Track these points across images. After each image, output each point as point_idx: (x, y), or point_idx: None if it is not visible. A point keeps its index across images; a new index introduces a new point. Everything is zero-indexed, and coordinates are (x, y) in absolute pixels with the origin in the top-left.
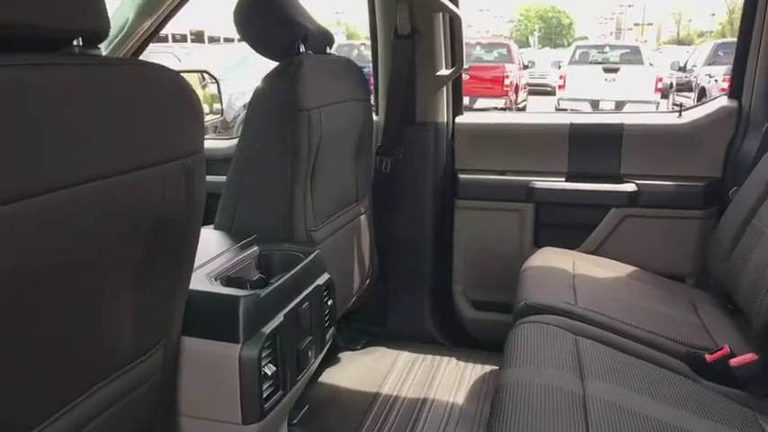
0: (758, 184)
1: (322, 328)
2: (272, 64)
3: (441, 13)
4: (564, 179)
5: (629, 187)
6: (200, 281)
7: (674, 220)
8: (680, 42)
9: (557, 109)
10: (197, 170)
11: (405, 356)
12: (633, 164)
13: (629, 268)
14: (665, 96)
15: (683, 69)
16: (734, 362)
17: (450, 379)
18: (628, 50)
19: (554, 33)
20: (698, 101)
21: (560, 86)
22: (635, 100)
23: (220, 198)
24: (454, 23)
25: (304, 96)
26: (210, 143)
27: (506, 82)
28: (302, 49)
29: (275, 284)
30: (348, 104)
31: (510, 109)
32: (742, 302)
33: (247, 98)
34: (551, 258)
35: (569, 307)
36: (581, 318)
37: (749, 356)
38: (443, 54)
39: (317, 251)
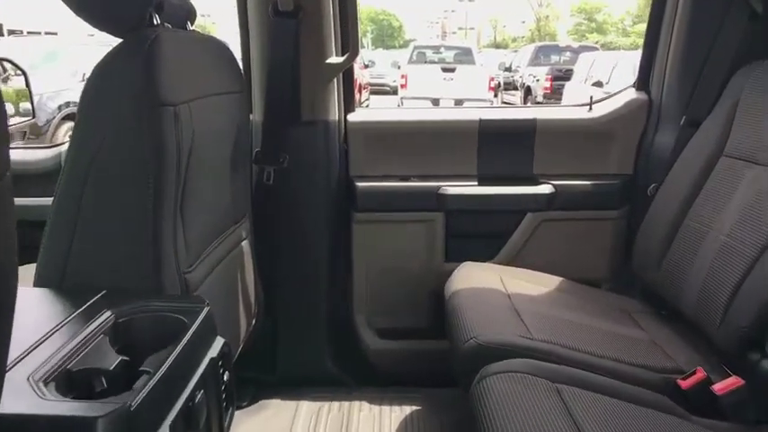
0: (684, 181)
1: (220, 415)
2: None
3: None
4: (475, 182)
5: (546, 189)
6: (19, 391)
7: (590, 222)
8: (497, 46)
9: (399, 108)
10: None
11: (306, 408)
12: (546, 162)
13: (555, 279)
14: (495, 95)
15: (508, 70)
16: (719, 389)
17: (367, 428)
18: (461, 51)
19: (386, 35)
20: (524, 99)
21: (402, 85)
22: (472, 98)
23: (43, 237)
24: (348, 2)
25: (168, 84)
26: (19, 154)
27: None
28: (157, 20)
29: (153, 380)
30: (221, 98)
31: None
32: (689, 313)
33: (64, 98)
34: (476, 277)
35: (529, 342)
36: (547, 356)
37: (733, 381)
38: (333, 37)
39: (207, 307)
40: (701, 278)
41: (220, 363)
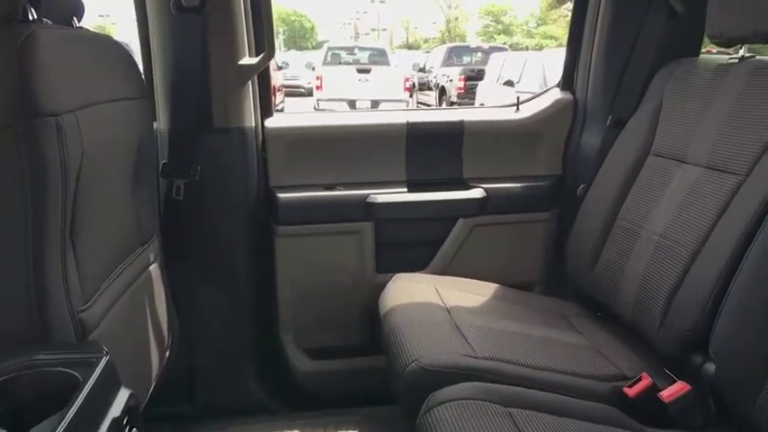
0: (613, 181)
1: None
2: None
3: None
4: (404, 189)
5: (477, 193)
6: None
7: (522, 225)
8: (410, 47)
9: (315, 110)
10: None
11: None
12: (476, 165)
13: (491, 286)
14: (411, 95)
15: (422, 70)
16: (666, 397)
17: None
18: (375, 52)
19: (298, 36)
20: (439, 99)
21: (318, 87)
22: (388, 99)
23: None
24: None
25: (47, 91)
26: None
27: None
28: (32, 14)
29: None
30: (118, 105)
31: None
32: (627, 315)
33: None
34: (411, 290)
35: (473, 361)
36: (493, 375)
37: (680, 387)
38: (246, 36)
39: (105, 356)
40: (637, 280)
41: (125, 421)
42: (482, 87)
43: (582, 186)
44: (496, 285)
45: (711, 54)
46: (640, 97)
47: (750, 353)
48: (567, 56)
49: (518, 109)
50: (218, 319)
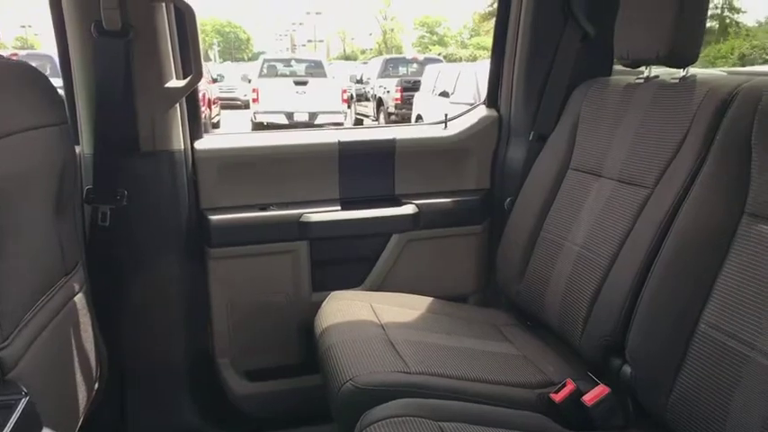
0: (537, 195)
1: None
2: None
3: (164, 5)
4: (338, 207)
5: (409, 209)
6: None
7: (454, 239)
8: (347, 58)
9: (253, 122)
10: None
11: None
12: (408, 182)
13: (425, 300)
14: (349, 107)
15: (360, 81)
16: (588, 400)
17: None
18: (312, 64)
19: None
20: (377, 109)
21: (254, 100)
22: (326, 111)
23: None
24: (186, 19)
25: None
26: None
27: (198, 96)
28: None
29: None
30: (36, 133)
31: (205, 125)
32: (554, 323)
33: None
34: (346, 308)
35: (406, 378)
36: (426, 390)
37: (601, 390)
38: (173, 59)
39: (25, 398)
40: (561, 289)
41: None
42: (418, 98)
43: (509, 200)
44: (431, 299)
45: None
46: (559, 114)
47: (662, 355)
48: (490, 75)
49: (446, 126)
50: (149, 347)
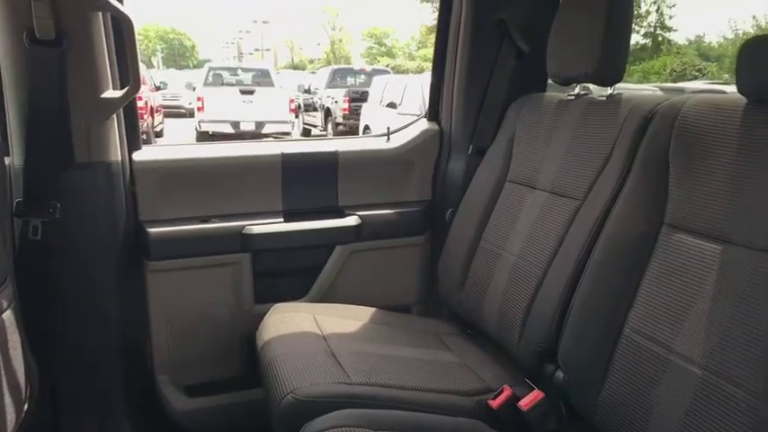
0: (476, 206)
1: None
2: None
3: (101, 14)
4: (281, 219)
5: (352, 221)
6: None
7: (397, 249)
8: (295, 67)
9: (197, 131)
10: None
11: None
12: (351, 194)
13: (369, 311)
14: (296, 116)
15: (308, 91)
16: (524, 405)
17: None
18: (259, 73)
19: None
20: (325, 120)
21: (199, 108)
22: (273, 120)
23: None
24: (123, 27)
25: None
26: None
27: (140, 104)
28: None
29: None
30: None
31: (148, 133)
32: (492, 331)
33: None
34: (289, 320)
35: (347, 389)
36: (367, 400)
37: (535, 395)
38: (109, 69)
39: None
40: (499, 298)
41: None
42: (366, 109)
43: (450, 211)
44: (374, 309)
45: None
46: (497, 128)
47: (590, 360)
48: (431, 90)
49: (389, 139)
50: (84, 364)
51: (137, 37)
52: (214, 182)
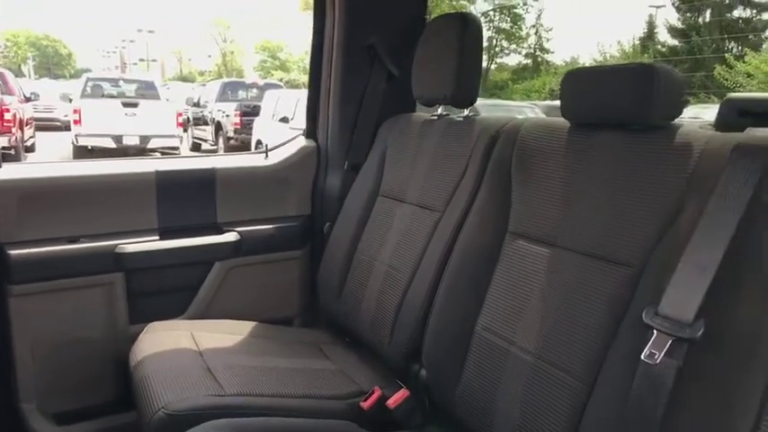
0: (351, 219)
1: None
2: None
3: None
4: (157, 237)
5: (231, 237)
6: None
7: (277, 264)
8: (185, 79)
9: (74, 146)
10: None
11: None
12: (229, 211)
13: (249, 325)
14: (185, 130)
15: (197, 105)
16: (391, 403)
17: None
18: (143, 85)
19: (52, 63)
20: (215, 134)
21: (76, 121)
22: (159, 134)
23: None
24: None
25: None
26: None
27: (7, 116)
28: None
29: None
30: None
31: (16, 148)
32: (367, 337)
33: None
34: (164, 338)
35: (220, 400)
36: (240, 409)
37: (402, 393)
38: None
39: None
40: (372, 306)
41: None
42: (258, 123)
43: (327, 225)
44: (255, 323)
45: None
46: (371, 145)
47: (448, 357)
48: (308, 109)
49: (267, 156)
50: None
51: (3, 43)
52: (83, 200)
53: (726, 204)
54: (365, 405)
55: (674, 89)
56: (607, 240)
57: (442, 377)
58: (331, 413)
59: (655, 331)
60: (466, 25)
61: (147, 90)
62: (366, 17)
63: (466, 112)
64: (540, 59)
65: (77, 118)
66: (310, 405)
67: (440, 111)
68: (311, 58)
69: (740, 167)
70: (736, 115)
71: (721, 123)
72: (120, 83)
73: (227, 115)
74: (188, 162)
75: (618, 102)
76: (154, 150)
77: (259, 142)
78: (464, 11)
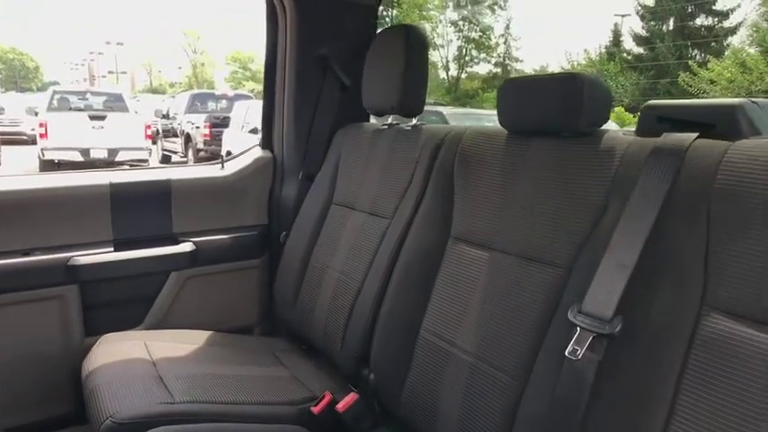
0: (306, 228)
1: None
2: None
3: None
4: (111, 248)
5: (187, 247)
6: None
7: (235, 273)
8: (154, 91)
9: (41, 160)
10: None
11: None
12: (186, 221)
13: (204, 335)
14: (154, 142)
15: (166, 117)
16: (340, 407)
17: None
18: (111, 98)
19: (19, 77)
20: (185, 146)
21: (42, 135)
22: (127, 147)
23: None
24: None
25: None
26: None
27: None
28: None
29: None
30: None
31: None
32: (320, 344)
33: None
34: (117, 349)
35: (169, 407)
36: (189, 416)
37: (351, 397)
38: None
39: None
40: (325, 311)
41: None
42: (228, 134)
43: (284, 234)
44: (211, 333)
45: None
46: (324, 155)
47: (395, 361)
48: (263, 119)
49: (223, 166)
50: None
51: None
52: (36, 213)
53: (644, 203)
54: (316, 410)
55: (599, 97)
56: (539, 242)
57: (389, 380)
58: (283, 418)
59: (578, 328)
60: (411, 37)
61: (115, 102)
62: (317, 29)
63: (414, 120)
64: (509, 68)
65: (43, 132)
66: (262, 411)
67: (390, 120)
68: (265, 69)
69: (657, 168)
70: (655, 121)
71: (642, 129)
72: (88, 95)
73: (197, 127)
74: (143, 174)
75: (548, 110)
76: (122, 163)
77: (229, 153)
78: (413, 23)
